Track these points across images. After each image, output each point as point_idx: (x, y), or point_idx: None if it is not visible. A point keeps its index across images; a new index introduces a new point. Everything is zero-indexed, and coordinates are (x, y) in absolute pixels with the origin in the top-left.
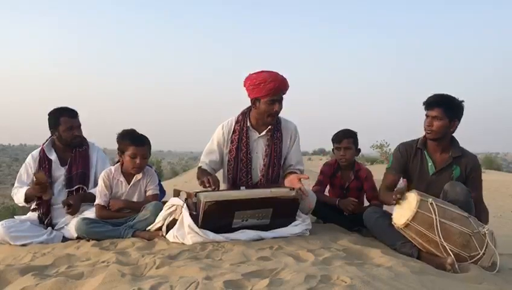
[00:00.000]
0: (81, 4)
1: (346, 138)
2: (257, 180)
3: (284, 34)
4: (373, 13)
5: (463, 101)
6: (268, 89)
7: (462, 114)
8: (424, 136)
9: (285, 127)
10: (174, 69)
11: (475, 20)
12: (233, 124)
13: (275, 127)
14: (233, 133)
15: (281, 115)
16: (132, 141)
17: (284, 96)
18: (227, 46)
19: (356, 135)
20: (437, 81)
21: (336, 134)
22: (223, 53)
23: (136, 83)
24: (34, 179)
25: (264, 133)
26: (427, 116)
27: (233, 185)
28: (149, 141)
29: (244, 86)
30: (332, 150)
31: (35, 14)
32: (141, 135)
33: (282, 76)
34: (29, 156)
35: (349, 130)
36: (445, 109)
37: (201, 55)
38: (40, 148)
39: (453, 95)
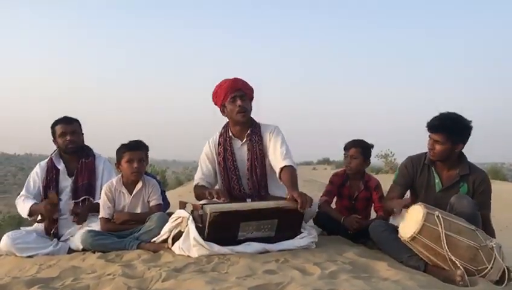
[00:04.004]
0: (83, 11)
1: (353, 147)
2: (247, 185)
3: (288, 39)
4: (381, 14)
5: (470, 121)
6: (224, 89)
7: (468, 136)
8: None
9: (264, 131)
10: (177, 75)
11: (483, 20)
12: (218, 137)
13: (253, 131)
14: (218, 145)
15: (262, 121)
16: (126, 147)
17: (247, 95)
18: (231, 55)
19: (367, 147)
20: (442, 86)
21: (346, 142)
22: (227, 62)
23: (140, 90)
24: (48, 199)
25: (245, 140)
26: (429, 136)
27: (230, 194)
28: (144, 145)
29: (213, 102)
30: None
31: (38, 22)
32: (136, 140)
33: (234, 77)
34: (37, 165)
35: (360, 140)
36: (448, 134)
37: (205, 62)
38: (48, 158)
39: (459, 116)
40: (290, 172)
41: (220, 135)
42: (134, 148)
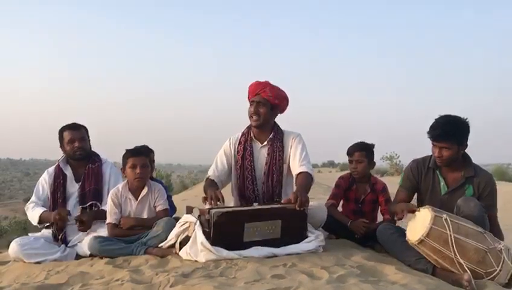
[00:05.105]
0: (89, 15)
1: (358, 151)
2: (261, 188)
3: (292, 41)
4: (387, 16)
5: (467, 119)
6: (248, 91)
7: (469, 132)
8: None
9: (286, 138)
10: (182, 80)
11: (492, 21)
12: (240, 136)
13: (275, 137)
14: (239, 144)
15: (285, 128)
16: (130, 153)
17: (267, 101)
18: (239, 61)
19: (370, 148)
20: (446, 86)
21: (350, 147)
22: (232, 64)
23: (144, 94)
24: (57, 213)
25: (265, 143)
26: (434, 145)
27: (241, 193)
28: (149, 150)
29: None
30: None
31: (42, 25)
32: (141, 146)
33: (259, 81)
34: (45, 172)
35: (362, 143)
36: (454, 138)
37: (210, 68)
38: (55, 164)
39: (457, 117)
40: (303, 177)
41: (242, 135)
42: (138, 153)
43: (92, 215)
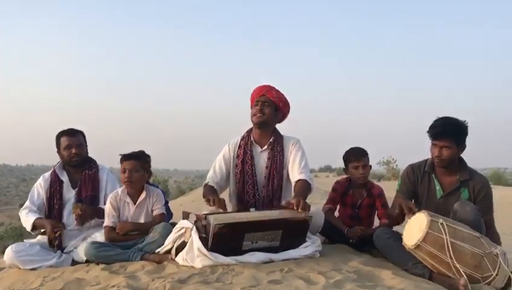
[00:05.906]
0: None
1: (365, 156)
2: (261, 192)
3: (288, 43)
4: (382, 15)
5: (466, 121)
6: (252, 94)
7: (468, 134)
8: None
9: (286, 142)
10: (179, 86)
11: (493, 24)
12: (239, 140)
13: (276, 141)
14: (239, 148)
15: (284, 133)
16: (121, 157)
17: (273, 103)
18: (235, 65)
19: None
20: (445, 89)
21: (353, 152)
22: (230, 73)
23: (141, 99)
24: (53, 233)
25: (265, 147)
26: (434, 144)
27: (240, 198)
28: (145, 155)
29: None
30: (344, 169)
31: (43, 34)
32: (137, 151)
33: (265, 84)
34: (41, 177)
35: (361, 147)
36: (454, 137)
37: (208, 73)
38: (51, 170)
39: (457, 119)
40: (302, 184)
41: (242, 138)
42: (127, 158)
43: (91, 209)
